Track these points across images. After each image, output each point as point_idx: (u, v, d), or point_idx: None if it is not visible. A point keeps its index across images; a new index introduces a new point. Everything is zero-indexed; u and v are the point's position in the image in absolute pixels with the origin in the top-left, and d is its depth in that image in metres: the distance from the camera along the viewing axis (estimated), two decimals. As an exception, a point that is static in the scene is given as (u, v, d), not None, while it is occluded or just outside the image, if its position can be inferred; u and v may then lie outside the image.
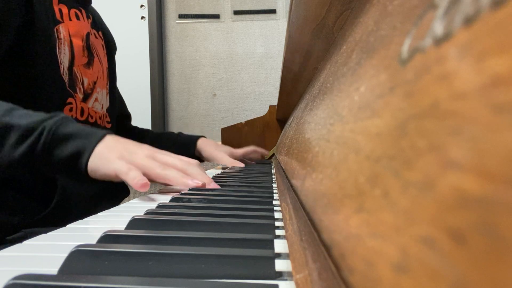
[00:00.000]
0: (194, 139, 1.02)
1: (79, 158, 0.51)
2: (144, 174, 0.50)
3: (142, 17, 2.01)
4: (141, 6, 2.00)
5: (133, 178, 0.48)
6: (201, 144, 1.01)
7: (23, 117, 0.52)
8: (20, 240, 0.56)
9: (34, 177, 0.65)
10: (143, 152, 0.53)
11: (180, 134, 1.07)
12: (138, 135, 1.05)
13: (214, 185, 0.53)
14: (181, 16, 2.05)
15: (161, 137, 1.07)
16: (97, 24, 0.85)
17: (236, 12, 2.03)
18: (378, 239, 0.11)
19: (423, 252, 0.09)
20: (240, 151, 1.07)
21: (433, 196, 0.09)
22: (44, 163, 0.52)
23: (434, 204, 0.09)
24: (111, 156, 0.51)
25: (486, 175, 0.07)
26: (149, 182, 0.48)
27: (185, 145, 1.02)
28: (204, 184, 0.51)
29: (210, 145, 1.01)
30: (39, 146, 0.50)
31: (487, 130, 0.07)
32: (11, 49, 0.61)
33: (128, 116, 1.07)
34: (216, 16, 2.04)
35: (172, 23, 2.06)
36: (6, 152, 0.50)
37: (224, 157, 0.97)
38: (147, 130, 1.11)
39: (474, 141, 0.08)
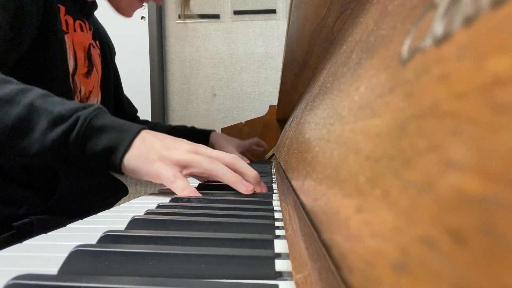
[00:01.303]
0: (207, 132, 1.08)
1: (113, 152, 0.49)
2: (189, 170, 0.48)
3: (142, 17, 2.01)
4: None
5: (182, 189, 0.46)
6: (214, 137, 1.07)
7: (56, 104, 0.50)
8: (26, 226, 0.55)
9: (36, 171, 0.66)
10: (183, 147, 0.50)
11: (193, 127, 1.11)
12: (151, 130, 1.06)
13: (263, 188, 0.50)
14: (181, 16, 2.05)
15: (175, 130, 1.09)
16: (95, 33, 0.86)
17: (236, 12, 2.03)
18: (378, 239, 0.11)
19: (423, 252, 0.09)
20: (247, 142, 1.15)
21: (433, 196, 0.09)
22: (76, 153, 0.50)
23: (434, 204, 0.09)
24: (151, 156, 0.49)
25: (486, 175, 0.07)
26: (199, 194, 0.47)
27: (199, 138, 1.05)
28: (253, 189, 0.48)
29: (222, 139, 1.08)
30: (72, 136, 0.48)
31: (487, 130, 0.07)
32: (27, 54, 0.62)
33: (136, 111, 1.12)
34: (216, 16, 2.04)
35: (172, 23, 2.06)
36: (37, 136, 0.48)
37: (234, 152, 1.03)
38: (158, 123, 1.12)
39: (474, 141, 0.08)
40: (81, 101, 0.76)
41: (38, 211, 0.63)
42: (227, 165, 0.49)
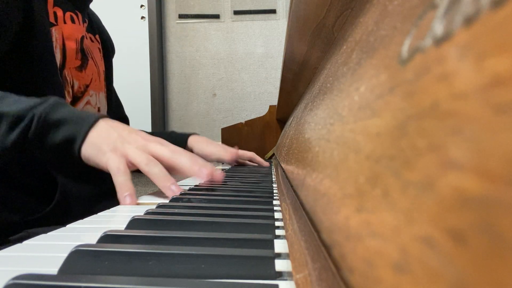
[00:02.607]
0: (185, 137, 0.98)
1: (72, 144, 0.51)
2: (135, 166, 0.50)
3: (142, 17, 2.00)
4: (141, 6, 2.00)
5: (120, 187, 0.47)
6: (192, 141, 0.96)
7: (13, 104, 0.51)
8: (22, 240, 0.56)
9: (35, 175, 0.65)
10: (136, 142, 0.52)
11: (172, 132, 1.02)
12: None
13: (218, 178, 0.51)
14: (181, 16, 2.05)
15: (154, 135, 1.06)
16: (94, 27, 0.85)
17: (236, 12, 2.03)
18: (378, 239, 0.11)
19: (423, 252, 0.09)
20: (235, 150, 1.00)
21: (433, 196, 0.09)
22: (37, 150, 0.51)
23: (434, 204, 0.09)
24: (104, 146, 0.50)
25: (486, 175, 0.07)
26: (135, 198, 0.48)
27: (175, 144, 0.98)
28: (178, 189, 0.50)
29: (201, 142, 0.96)
30: (30, 133, 0.50)
31: (487, 130, 0.07)
32: (11, 50, 0.61)
33: (125, 119, 1.03)
34: (216, 16, 2.04)
35: (172, 23, 2.05)
36: None
37: (217, 151, 0.92)
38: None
39: (474, 141, 0.08)
40: (75, 95, 0.75)
41: (34, 219, 0.63)
42: (167, 164, 0.51)
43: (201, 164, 0.53)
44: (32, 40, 0.63)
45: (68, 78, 0.73)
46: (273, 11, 2.02)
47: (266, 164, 1.07)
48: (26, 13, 0.63)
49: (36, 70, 0.64)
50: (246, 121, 1.46)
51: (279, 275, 0.22)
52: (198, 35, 2.05)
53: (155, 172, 0.50)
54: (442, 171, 0.09)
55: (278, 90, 1.09)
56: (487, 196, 0.07)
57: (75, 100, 0.75)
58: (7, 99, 0.52)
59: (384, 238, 0.11)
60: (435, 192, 0.09)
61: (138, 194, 0.54)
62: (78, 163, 0.52)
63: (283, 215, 0.35)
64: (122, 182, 0.48)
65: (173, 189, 0.49)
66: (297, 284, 0.19)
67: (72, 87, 0.74)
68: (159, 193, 0.55)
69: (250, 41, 2.03)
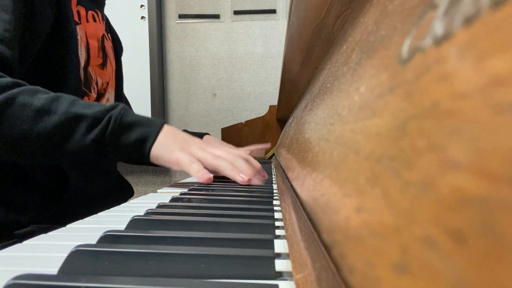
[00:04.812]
0: (199, 136, 1.06)
1: (143, 143, 0.58)
2: (200, 162, 0.57)
3: (142, 17, 2.00)
4: (141, 6, 2.00)
5: (197, 171, 0.56)
6: (206, 141, 1.04)
7: (87, 107, 0.56)
8: (29, 235, 0.58)
9: (45, 173, 0.66)
10: (197, 144, 0.60)
11: (184, 131, 1.08)
12: None
13: (263, 174, 0.60)
14: (181, 16, 2.05)
15: None
16: (108, 26, 0.86)
17: (236, 12, 2.03)
18: (378, 239, 0.11)
19: (423, 252, 0.09)
20: (242, 150, 1.10)
21: (433, 196, 0.09)
22: (112, 148, 0.57)
23: (434, 204, 0.09)
24: (172, 146, 0.58)
25: (486, 175, 0.07)
26: (211, 176, 0.56)
27: None
28: (249, 180, 0.57)
29: (214, 143, 1.05)
30: (107, 133, 0.56)
31: (487, 130, 0.07)
32: (43, 46, 0.63)
33: None
34: (216, 16, 2.04)
35: (172, 23, 2.05)
36: (77, 139, 0.55)
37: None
38: None
39: (474, 141, 0.08)
40: (98, 92, 0.78)
41: (43, 218, 0.64)
42: (228, 162, 0.59)
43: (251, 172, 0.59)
44: (61, 38, 0.66)
45: (92, 75, 0.76)
46: (273, 11, 2.02)
47: (266, 146, 1.20)
48: (57, 11, 0.65)
49: (63, 68, 0.67)
50: (246, 121, 1.46)
51: (279, 275, 0.22)
52: (198, 35, 2.05)
53: (223, 166, 0.57)
54: (442, 171, 0.09)
55: (278, 90, 1.09)
56: (487, 196, 0.07)
57: (100, 96, 0.78)
58: (79, 102, 0.57)
59: (384, 238, 0.11)
60: (435, 192, 0.09)
61: (138, 194, 0.55)
62: (145, 161, 0.59)
63: (283, 215, 0.35)
64: (197, 168, 0.56)
65: (242, 176, 0.56)
66: (297, 284, 0.19)
67: (97, 84, 0.77)
68: (159, 193, 0.55)
69: (250, 41, 2.03)
